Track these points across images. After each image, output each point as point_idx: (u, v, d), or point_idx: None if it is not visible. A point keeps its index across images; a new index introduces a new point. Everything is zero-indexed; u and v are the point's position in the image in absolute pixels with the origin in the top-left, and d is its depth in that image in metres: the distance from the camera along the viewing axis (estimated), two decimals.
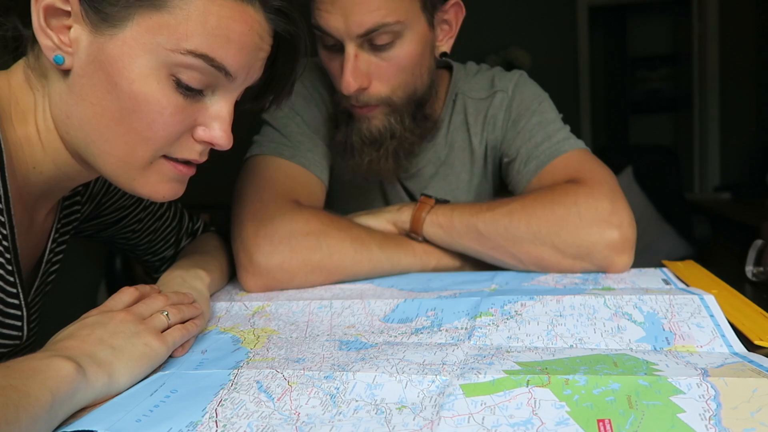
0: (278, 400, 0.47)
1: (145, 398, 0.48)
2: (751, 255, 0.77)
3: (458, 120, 0.99)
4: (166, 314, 0.57)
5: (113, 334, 0.51)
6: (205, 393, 0.48)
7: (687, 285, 0.72)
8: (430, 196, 0.87)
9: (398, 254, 0.84)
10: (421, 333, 0.61)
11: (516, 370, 0.48)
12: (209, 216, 1.14)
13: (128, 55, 0.52)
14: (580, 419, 0.40)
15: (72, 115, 0.56)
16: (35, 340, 0.66)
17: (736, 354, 0.52)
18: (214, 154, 0.62)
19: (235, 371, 0.52)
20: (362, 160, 0.87)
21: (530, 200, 0.81)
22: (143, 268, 0.95)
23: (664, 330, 0.57)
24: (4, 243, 0.55)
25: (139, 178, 0.57)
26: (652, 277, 0.77)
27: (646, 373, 0.45)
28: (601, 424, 0.40)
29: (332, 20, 0.77)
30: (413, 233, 0.86)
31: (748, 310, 0.64)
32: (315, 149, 0.91)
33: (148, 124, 0.54)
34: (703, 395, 0.42)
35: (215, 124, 0.57)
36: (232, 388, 0.49)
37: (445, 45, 0.88)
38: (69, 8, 0.52)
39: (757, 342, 0.55)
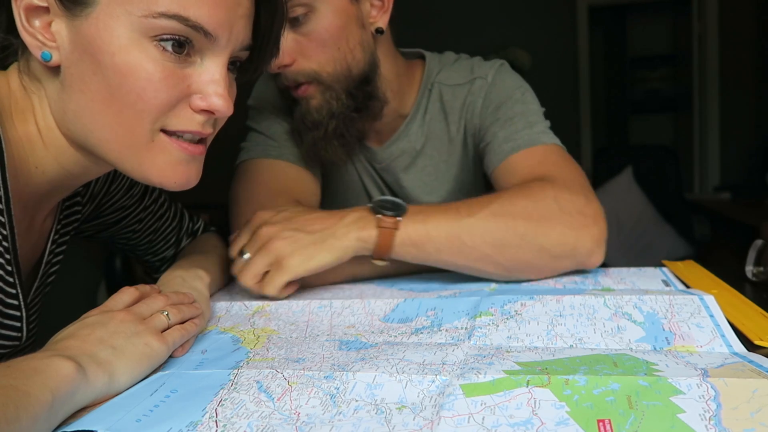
0: (278, 400, 0.47)
1: (145, 398, 0.48)
2: (751, 255, 0.77)
3: (434, 109, 0.97)
4: (166, 314, 0.57)
5: (113, 334, 0.51)
6: (205, 393, 0.48)
7: (687, 286, 0.72)
8: (380, 210, 0.74)
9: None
10: (421, 333, 0.61)
11: (516, 370, 0.48)
12: (209, 216, 1.14)
13: (104, 30, 0.52)
14: (580, 419, 0.40)
15: (68, 110, 0.56)
16: (35, 341, 0.66)
17: (736, 354, 0.52)
18: (214, 153, 0.61)
19: (235, 371, 0.52)
20: (308, 142, 0.87)
21: (507, 200, 0.75)
22: (143, 268, 0.95)
23: (664, 330, 0.57)
24: (4, 243, 0.55)
25: (145, 160, 0.57)
26: (652, 277, 0.77)
27: (646, 374, 0.45)
28: (601, 424, 0.40)
29: None
30: (378, 260, 0.75)
31: (748, 310, 0.64)
32: (301, 145, 0.91)
33: (138, 94, 0.53)
34: (703, 395, 0.42)
35: (209, 89, 0.56)
36: (232, 388, 0.49)
37: (380, 21, 0.87)
38: (46, 3, 0.53)
39: (757, 342, 0.55)
